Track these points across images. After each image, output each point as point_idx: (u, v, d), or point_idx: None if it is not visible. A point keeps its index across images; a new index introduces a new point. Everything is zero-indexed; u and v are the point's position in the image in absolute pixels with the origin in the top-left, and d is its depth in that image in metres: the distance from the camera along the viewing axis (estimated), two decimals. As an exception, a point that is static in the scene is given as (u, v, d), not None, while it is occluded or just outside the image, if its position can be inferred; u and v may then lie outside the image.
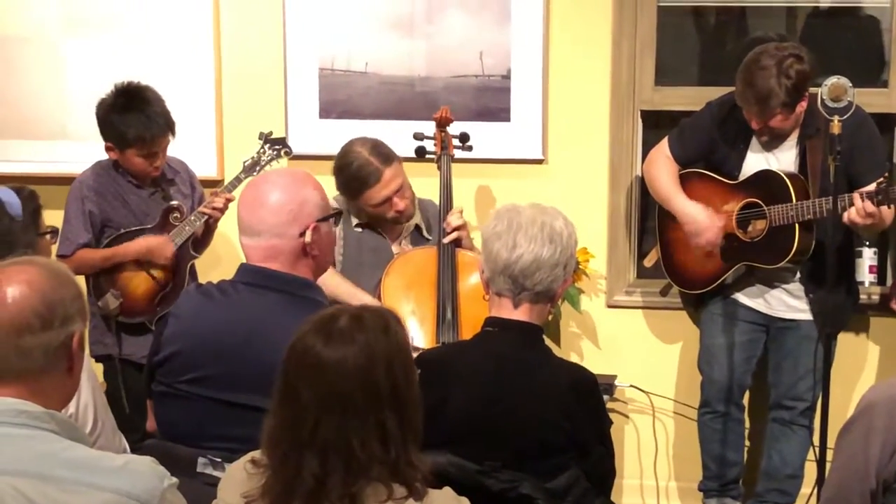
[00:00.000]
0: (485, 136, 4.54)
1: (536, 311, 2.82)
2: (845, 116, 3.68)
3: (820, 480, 3.75)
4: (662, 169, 4.44)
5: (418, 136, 4.29)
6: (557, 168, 4.80)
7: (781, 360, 4.42)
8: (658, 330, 4.87)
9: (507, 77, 4.74)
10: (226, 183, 4.44)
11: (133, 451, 2.91)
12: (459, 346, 3.32)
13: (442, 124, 4.30)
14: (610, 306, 4.88)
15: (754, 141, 4.29)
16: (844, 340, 4.59)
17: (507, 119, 4.76)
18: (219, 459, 2.70)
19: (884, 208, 3.98)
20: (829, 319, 4.01)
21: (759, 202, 4.23)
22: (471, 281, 4.00)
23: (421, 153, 4.30)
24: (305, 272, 2.85)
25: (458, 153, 4.32)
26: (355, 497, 2.04)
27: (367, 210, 4.10)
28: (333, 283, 3.88)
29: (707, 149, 4.39)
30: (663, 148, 4.46)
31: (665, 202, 4.46)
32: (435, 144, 4.29)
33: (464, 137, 4.33)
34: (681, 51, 5.00)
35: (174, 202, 4.33)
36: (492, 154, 4.68)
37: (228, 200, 4.28)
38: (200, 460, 2.71)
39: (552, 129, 4.78)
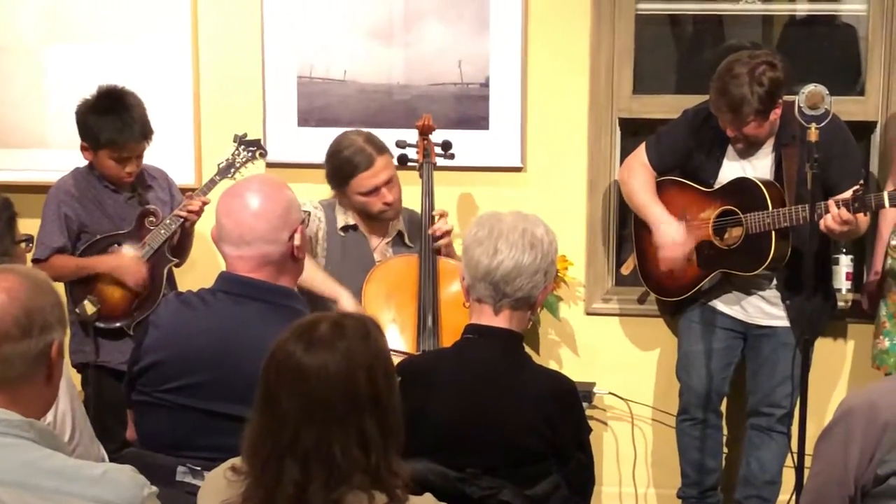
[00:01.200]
0: (464, 144, 4.54)
1: (517, 319, 2.82)
2: (822, 124, 3.70)
3: (798, 486, 3.76)
4: (638, 176, 4.45)
5: (401, 144, 4.29)
6: (536, 176, 4.81)
7: (759, 366, 4.44)
8: (636, 337, 4.88)
9: (485, 85, 4.74)
10: (201, 185, 4.43)
11: (112, 459, 2.90)
12: (439, 354, 3.32)
13: (424, 132, 4.31)
14: (588, 314, 4.88)
15: (730, 148, 4.31)
16: (822, 347, 4.61)
17: (486, 127, 4.77)
18: (198, 468, 2.70)
19: (860, 215, 4.01)
20: (806, 326, 4.01)
21: (736, 210, 4.24)
22: (452, 289, 4.01)
23: (403, 161, 4.30)
24: (288, 280, 2.86)
25: (441, 161, 4.33)
26: (336, 504, 2.04)
27: (354, 201, 4.09)
28: (311, 272, 3.85)
29: (683, 156, 4.40)
30: (640, 155, 4.47)
31: (640, 210, 4.47)
32: (417, 152, 4.29)
33: (446, 146, 4.34)
34: (659, 59, 5.02)
35: (150, 206, 4.31)
36: (471, 162, 4.68)
37: (204, 203, 4.26)
38: (180, 469, 2.71)
39: (531, 136, 4.78)
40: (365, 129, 4.25)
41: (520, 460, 2.72)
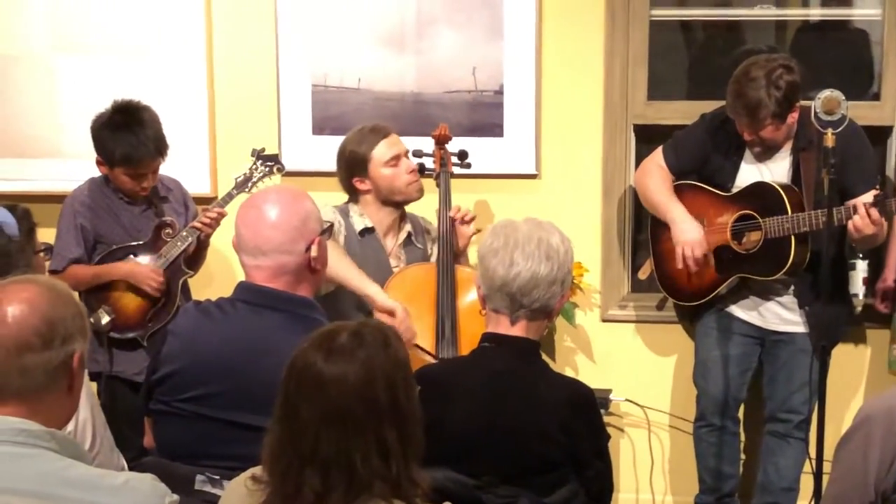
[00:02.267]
0: (478, 152, 4.54)
1: (534, 328, 2.83)
2: (839, 129, 3.69)
3: (817, 493, 3.75)
4: (655, 177, 4.45)
5: (417, 154, 4.29)
6: (551, 183, 4.80)
7: (776, 372, 4.42)
8: (653, 344, 4.87)
9: (499, 92, 4.75)
10: (218, 198, 4.44)
11: (130, 468, 2.90)
12: (457, 363, 3.32)
13: (441, 142, 4.32)
14: (604, 320, 4.88)
15: (747, 152, 4.30)
16: (839, 352, 4.59)
17: (501, 134, 4.77)
18: (217, 477, 2.70)
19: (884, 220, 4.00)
20: (823, 332, 4.00)
21: (754, 214, 4.23)
22: (470, 297, 4.01)
23: (420, 170, 4.30)
24: (307, 290, 2.86)
25: (457, 170, 4.33)
26: (356, 513, 2.04)
27: (380, 177, 4.09)
28: (344, 268, 3.88)
29: (701, 159, 4.40)
30: (656, 157, 4.47)
31: (657, 209, 4.45)
32: (434, 161, 4.30)
33: (462, 155, 4.34)
34: (673, 65, 5.02)
35: (166, 218, 4.32)
36: (485, 169, 4.68)
37: (220, 215, 4.28)
38: (198, 478, 2.72)
39: (545, 143, 4.78)
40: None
41: (537, 468, 2.72)
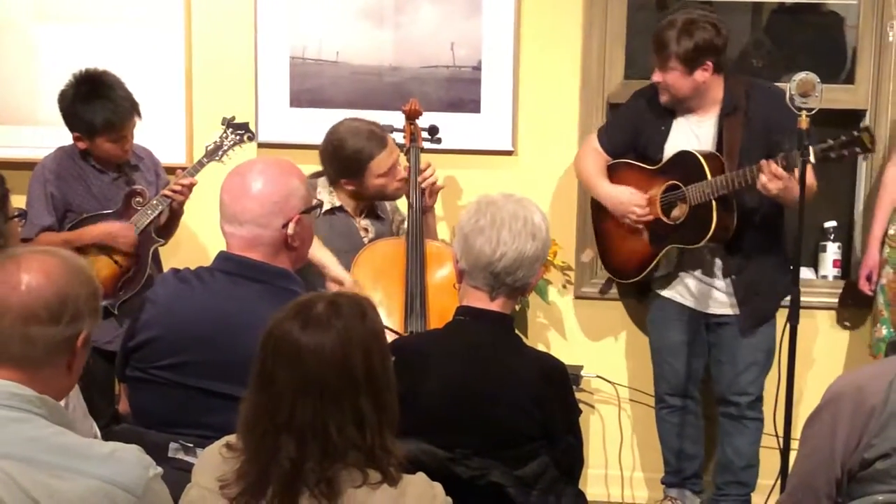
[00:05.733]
0: (455, 127, 4.56)
1: (510, 304, 2.85)
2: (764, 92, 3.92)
3: (784, 471, 3.78)
4: (588, 160, 4.52)
5: (388, 129, 4.30)
6: (527, 160, 4.82)
7: (719, 355, 4.46)
8: (625, 321, 4.91)
9: (477, 68, 4.76)
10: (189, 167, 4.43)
11: (103, 436, 2.91)
12: (432, 335, 3.33)
13: (411, 117, 4.32)
14: (578, 297, 4.91)
15: (675, 123, 4.34)
16: (816, 335, 4.66)
17: (478, 110, 4.78)
18: (190, 445, 2.70)
19: (793, 176, 3.93)
20: (757, 309, 4.17)
21: (679, 184, 4.26)
22: (439, 272, 4.02)
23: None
24: (285, 263, 2.85)
25: (427, 145, 4.34)
26: (331, 481, 2.06)
27: (371, 185, 4.09)
28: (321, 254, 3.91)
29: (631, 135, 4.45)
30: (591, 141, 4.54)
31: (591, 190, 4.54)
32: (404, 137, 4.30)
33: (433, 130, 4.35)
34: (650, 44, 5.02)
35: (136, 186, 4.31)
36: (462, 145, 4.70)
37: (191, 184, 4.27)
38: (172, 445, 2.72)
39: (522, 120, 4.80)
40: (355, 115, 4.25)
41: (509, 441, 2.74)
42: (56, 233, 4.25)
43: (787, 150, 3.92)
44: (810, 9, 5.01)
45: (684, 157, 4.25)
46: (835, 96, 4.44)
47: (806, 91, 3.70)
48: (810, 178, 4.01)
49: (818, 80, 3.71)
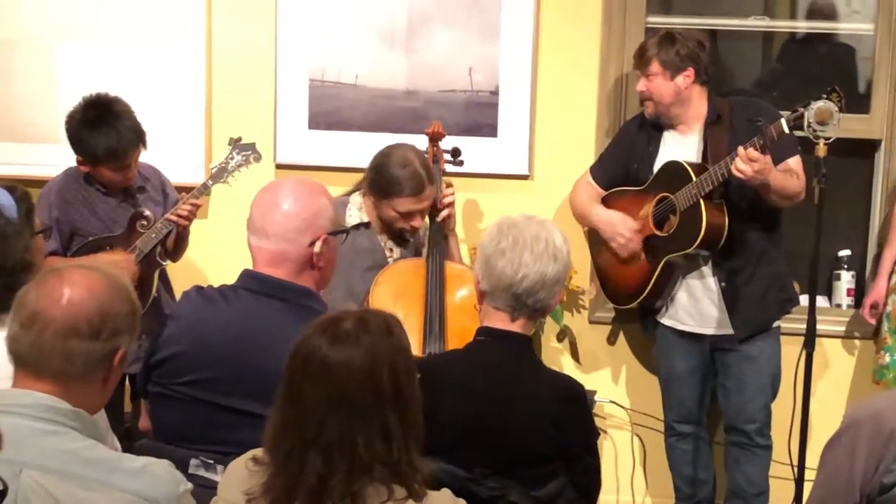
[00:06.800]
0: (472, 151, 4.57)
1: (530, 325, 2.87)
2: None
3: (798, 499, 3.78)
4: (580, 192, 4.60)
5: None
6: (543, 184, 4.84)
7: (725, 381, 4.43)
8: (638, 347, 4.90)
9: (495, 93, 4.78)
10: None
11: (123, 451, 2.92)
12: (452, 355, 3.32)
13: (434, 139, 4.35)
14: (592, 322, 4.92)
15: (663, 142, 4.37)
16: (824, 361, 4.66)
17: (494, 134, 4.81)
18: (211, 461, 2.72)
19: (768, 161, 3.94)
20: (749, 317, 4.20)
21: (668, 194, 4.28)
22: (458, 293, 4.04)
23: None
24: (308, 282, 2.87)
25: (449, 168, 4.37)
26: (356, 496, 2.07)
27: (384, 213, 4.11)
28: None
29: (623, 161, 4.49)
30: (584, 175, 4.61)
31: (584, 220, 4.60)
32: (427, 158, 4.32)
33: (455, 152, 4.38)
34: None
35: (141, 209, 4.27)
36: (478, 168, 4.72)
37: (195, 207, 4.24)
38: (193, 462, 2.73)
39: (538, 145, 4.83)
40: (415, 148, 4.22)
41: (528, 462, 2.75)
42: (61, 258, 4.21)
43: (759, 122, 3.91)
44: (822, 39, 5.03)
45: (669, 167, 4.28)
46: (849, 126, 4.45)
47: (824, 119, 3.70)
48: (797, 167, 4.13)
49: (836, 108, 3.70)
